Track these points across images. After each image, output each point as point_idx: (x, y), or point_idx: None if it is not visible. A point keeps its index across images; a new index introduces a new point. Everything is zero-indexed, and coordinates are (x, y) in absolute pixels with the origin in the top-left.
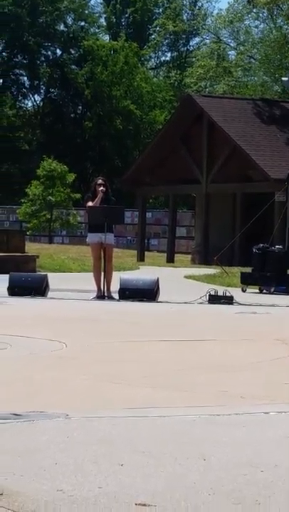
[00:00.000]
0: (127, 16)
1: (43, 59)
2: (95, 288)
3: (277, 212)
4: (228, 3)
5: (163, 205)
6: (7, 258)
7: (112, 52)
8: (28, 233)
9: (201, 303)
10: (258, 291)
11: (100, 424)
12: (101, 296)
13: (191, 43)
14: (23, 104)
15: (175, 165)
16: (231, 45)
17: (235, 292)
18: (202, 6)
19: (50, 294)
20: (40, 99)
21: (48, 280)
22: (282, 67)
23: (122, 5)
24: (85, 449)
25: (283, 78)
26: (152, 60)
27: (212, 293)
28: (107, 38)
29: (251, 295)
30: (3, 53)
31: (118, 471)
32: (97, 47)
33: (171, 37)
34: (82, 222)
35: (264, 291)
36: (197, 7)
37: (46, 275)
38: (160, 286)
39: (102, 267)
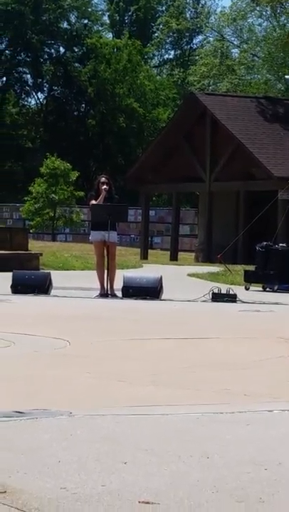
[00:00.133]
0: (130, 13)
1: (46, 57)
2: (98, 286)
3: (281, 211)
4: (232, 1)
5: (166, 203)
6: (10, 256)
7: (115, 50)
8: (31, 231)
9: (204, 301)
10: (261, 289)
11: (103, 422)
12: (104, 294)
13: (194, 41)
14: (26, 102)
15: (178, 163)
16: (235, 43)
17: (239, 290)
18: (205, 3)
19: (53, 291)
20: (43, 97)
21: (51, 278)
22: (286, 65)
23: (126, 3)
24: (88, 447)
25: (286, 76)
26: (155, 58)
27: (215, 291)
28: (110, 35)
29: (254, 293)
30: (7, 51)
31: (121, 469)
32: (101, 45)
33: (175, 35)
34: (85, 220)
35: (267, 289)
36: (200, 5)
37: (49, 273)
38: (163, 284)
39: (106, 265)
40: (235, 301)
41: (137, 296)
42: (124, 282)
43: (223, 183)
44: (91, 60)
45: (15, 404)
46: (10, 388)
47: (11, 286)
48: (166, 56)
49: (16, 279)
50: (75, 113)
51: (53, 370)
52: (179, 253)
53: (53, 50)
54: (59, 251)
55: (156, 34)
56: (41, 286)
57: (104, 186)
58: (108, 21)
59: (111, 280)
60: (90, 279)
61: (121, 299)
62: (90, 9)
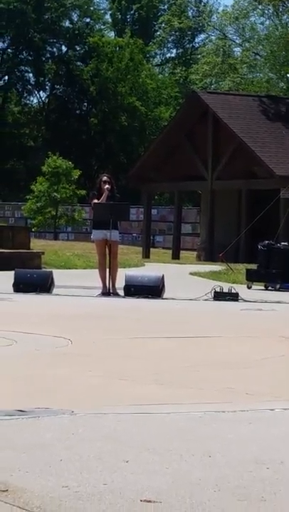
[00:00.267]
0: (132, 12)
1: (48, 55)
2: (100, 285)
3: (283, 209)
4: None
5: (168, 201)
6: (12, 255)
7: (117, 48)
8: (33, 230)
9: (206, 300)
10: (263, 287)
11: (105, 420)
12: (106, 292)
13: (196, 40)
14: (28, 101)
15: (180, 162)
16: (237, 41)
17: (241, 289)
18: (207, 2)
19: (55, 290)
20: (45, 95)
21: (53, 277)
22: (288, 63)
23: (128, 1)
24: (90, 446)
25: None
26: (158, 56)
27: (217, 290)
28: (112, 34)
29: (257, 292)
30: (9, 50)
31: (123, 468)
32: (103, 43)
33: (177, 33)
34: (87, 218)
35: (269, 287)
36: (202, 4)
37: (51, 272)
38: (165, 283)
39: (107, 264)
40: (237, 300)
41: (139, 294)
42: (126, 281)
43: (225, 182)
44: (93, 58)
45: (17, 403)
46: (12, 387)
47: (13, 285)
48: (168, 55)
49: (18, 277)
50: (77, 112)
51: (55, 368)
52: (181, 252)
53: (55, 49)
54: (61, 250)
55: (158, 33)
56: (43, 285)
57: (107, 185)
58: (110, 20)
59: (113, 279)
60: (92, 277)
61: (123, 297)
62: (92, 8)
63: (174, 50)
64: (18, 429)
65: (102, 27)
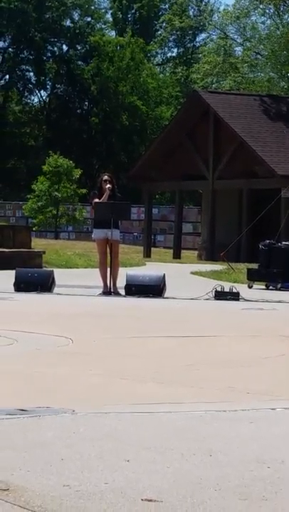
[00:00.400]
0: (133, 11)
1: (49, 55)
2: (101, 284)
3: (284, 209)
4: None
5: (169, 201)
6: (13, 254)
7: (118, 48)
8: (34, 229)
9: (207, 299)
10: (264, 287)
11: (106, 419)
12: (107, 292)
13: (197, 39)
14: (29, 100)
15: (181, 161)
16: (238, 41)
17: (242, 288)
18: (208, 1)
19: (56, 289)
20: (46, 94)
21: (54, 276)
22: None
23: (129, 0)
24: (91, 445)
25: None
26: (159, 55)
27: (218, 289)
28: (113, 33)
29: (258, 291)
30: (10, 49)
31: (124, 467)
32: (104, 43)
33: (178, 33)
34: (88, 218)
35: (270, 287)
36: (203, 3)
37: (52, 271)
38: (166, 282)
39: (108, 263)
40: (238, 300)
41: (140, 294)
42: (127, 280)
43: (226, 181)
44: (94, 57)
45: (18, 402)
46: (13, 386)
47: (14, 284)
48: (170, 54)
49: (19, 277)
50: (78, 111)
51: (56, 367)
52: (182, 251)
53: (56, 48)
54: (62, 249)
55: (159, 32)
56: (44, 284)
57: (108, 185)
58: (111, 19)
59: (114, 278)
60: (93, 277)
61: (124, 296)
62: (93, 7)
63: (175, 50)
64: (19, 428)
65: (103, 26)
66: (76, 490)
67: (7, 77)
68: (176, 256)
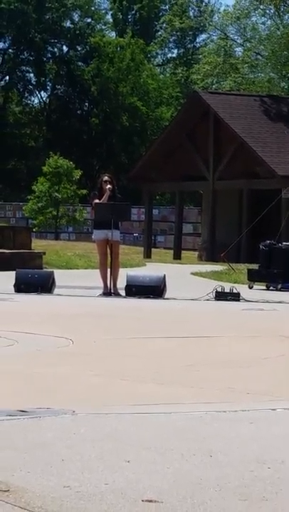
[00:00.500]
0: (133, 12)
1: (49, 56)
2: (102, 284)
3: (284, 209)
4: None
5: (169, 201)
6: (13, 255)
7: (118, 48)
8: (34, 230)
9: (207, 300)
10: (264, 287)
11: (106, 420)
12: (107, 292)
13: (197, 40)
14: (29, 101)
15: (181, 161)
16: (238, 41)
17: (242, 289)
18: (209, 2)
19: (56, 290)
20: (46, 95)
21: (54, 277)
22: None
23: (129, 1)
24: (91, 446)
25: None
26: (159, 56)
27: (219, 290)
28: (113, 34)
29: (258, 292)
30: (10, 50)
31: (125, 468)
32: (104, 43)
33: (178, 33)
34: (88, 218)
35: (271, 287)
36: (204, 3)
37: (52, 272)
38: (167, 283)
39: (109, 264)
40: (238, 300)
41: (140, 294)
42: (127, 281)
43: (227, 182)
44: (94, 58)
45: (18, 403)
46: (13, 387)
47: (14, 285)
48: (170, 55)
49: (19, 278)
50: (78, 112)
51: (56, 368)
52: (182, 252)
53: (56, 49)
54: (62, 250)
55: (159, 33)
56: (44, 285)
57: (109, 186)
58: (111, 20)
59: (114, 279)
60: (93, 277)
61: (124, 297)
62: (93, 8)
63: (175, 50)
64: (20, 429)
65: (103, 27)
66: (76, 491)
67: (7, 78)
68: (177, 256)
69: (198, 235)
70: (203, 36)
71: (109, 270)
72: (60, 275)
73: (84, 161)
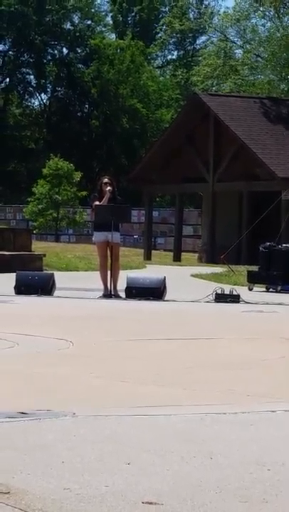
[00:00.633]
0: (133, 14)
1: (49, 58)
2: (102, 286)
3: (284, 211)
4: (235, 1)
5: (169, 203)
6: (14, 257)
7: (118, 50)
8: (34, 232)
9: (207, 301)
10: (264, 289)
11: (106, 422)
12: (107, 294)
13: (197, 42)
14: (29, 103)
15: (181, 163)
16: (238, 43)
17: (242, 291)
18: (209, 4)
19: (56, 292)
20: (46, 97)
21: (54, 279)
22: None
23: (129, 3)
24: (91, 448)
25: None
26: (159, 58)
27: (219, 291)
28: (113, 36)
29: (258, 294)
30: (10, 52)
31: (125, 470)
32: (104, 45)
33: (178, 35)
34: (88, 220)
35: (271, 289)
36: (204, 5)
37: (53, 274)
38: (167, 284)
39: (109, 266)
40: (238, 302)
41: (140, 296)
42: (127, 283)
43: (227, 184)
44: (94, 60)
45: (18, 405)
46: (13, 389)
47: (15, 287)
48: (170, 57)
49: (20, 279)
50: (79, 114)
51: (56, 370)
52: (182, 254)
53: (56, 51)
54: (62, 252)
55: (159, 35)
56: (44, 287)
57: (109, 187)
58: (111, 22)
59: (114, 281)
60: (94, 279)
61: (124, 299)
62: (93, 10)
63: (175, 52)
64: (20, 431)
65: (103, 29)
66: (76, 493)
67: (7, 80)
68: (177, 258)
69: (198, 237)
70: (203, 38)
71: (109, 272)
72: (60, 277)
73: (84, 163)
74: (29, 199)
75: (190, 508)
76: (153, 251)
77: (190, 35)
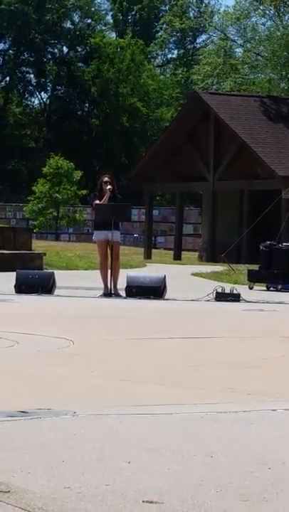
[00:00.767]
0: (133, 13)
1: (49, 56)
2: (102, 285)
3: (284, 210)
4: (235, 0)
5: (170, 202)
6: (14, 256)
7: (118, 49)
8: (34, 231)
9: (208, 300)
10: (265, 288)
11: (107, 421)
12: (108, 293)
13: (197, 41)
14: (29, 102)
15: (182, 162)
16: (238, 42)
17: (243, 290)
18: (209, 3)
19: (57, 291)
20: (46, 96)
21: (54, 278)
22: None
23: (129, 2)
24: (92, 446)
25: None
26: (159, 57)
27: (219, 290)
28: (113, 35)
29: (258, 292)
30: (10, 51)
31: (125, 469)
32: (104, 44)
33: (178, 34)
34: (88, 219)
35: (271, 288)
36: (204, 4)
37: (53, 273)
38: (167, 283)
39: (109, 265)
40: (238, 301)
41: (141, 295)
42: (127, 282)
43: (227, 183)
44: (94, 59)
45: (18, 404)
46: (13, 387)
47: (15, 286)
48: (170, 55)
49: (20, 278)
50: (79, 113)
51: (57, 369)
52: (183, 252)
53: (56, 50)
54: (62, 251)
55: (159, 33)
56: (45, 286)
57: (109, 186)
58: (111, 21)
59: (114, 279)
60: (94, 278)
61: (124, 298)
62: (93, 9)
63: (176, 51)
64: (21, 430)
65: (104, 28)
66: (77, 492)
67: (7, 79)
68: (177, 257)
69: (199, 236)
70: (204, 37)
71: (109, 271)
72: (60, 276)
73: (84, 162)
74: (29, 198)
75: (190, 506)
76: (153, 250)
77: (190, 33)
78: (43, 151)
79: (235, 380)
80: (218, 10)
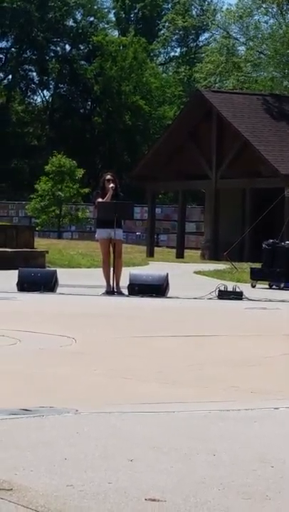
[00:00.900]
0: (136, 11)
1: (52, 54)
2: (104, 283)
3: (287, 208)
4: None
5: (172, 200)
6: (16, 254)
7: (121, 47)
8: (37, 229)
9: (210, 298)
10: (267, 286)
11: (109, 419)
12: (110, 291)
13: (200, 39)
14: (32, 100)
15: (184, 160)
16: (241, 40)
17: (245, 288)
18: (211, 1)
19: (59, 289)
20: (49, 94)
21: (57, 276)
22: None
23: (131, 0)
24: (94, 444)
25: None
26: (161, 55)
27: (222, 288)
28: (116, 33)
29: (261, 291)
30: (13, 49)
31: (128, 467)
32: (106, 42)
33: (181, 32)
34: (91, 217)
35: (274, 286)
36: (206, 2)
37: (55, 271)
38: (169, 281)
39: (112, 263)
40: (241, 299)
41: (143, 293)
42: (130, 280)
43: (230, 181)
44: (97, 57)
45: (20, 402)
46: (16, 386)
47: (17, 284)
48: (172, 53)
49: (22, 276)
50: (81, 111)
51: (59, 367)
52: (185, 251)
53: (58, 48)
54: (65, 249)
55: (162, 31)
56: (47, 284)
57: (111, 184)
58: (114, 19)
59: (117, 278)
60: (96, 276)
61: (127, 296)
62: (95, 7)
63: (178, 49)
64: (23, 428)
65: (106, 26)
66: (80, 490)
67: (10, 77)
68: (179, 255)
69: (201, 234)
70: (206, 35)
71: (112, 269)
72: (62, 274)
73: (87, 160)
74: (32, 196)
75: (193, 504)
76: (156, 248)
77: (193, 31)
78: (45, 149)
79: (237, 379)
80: (221, 8)
